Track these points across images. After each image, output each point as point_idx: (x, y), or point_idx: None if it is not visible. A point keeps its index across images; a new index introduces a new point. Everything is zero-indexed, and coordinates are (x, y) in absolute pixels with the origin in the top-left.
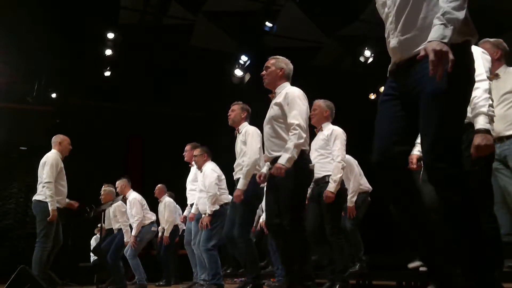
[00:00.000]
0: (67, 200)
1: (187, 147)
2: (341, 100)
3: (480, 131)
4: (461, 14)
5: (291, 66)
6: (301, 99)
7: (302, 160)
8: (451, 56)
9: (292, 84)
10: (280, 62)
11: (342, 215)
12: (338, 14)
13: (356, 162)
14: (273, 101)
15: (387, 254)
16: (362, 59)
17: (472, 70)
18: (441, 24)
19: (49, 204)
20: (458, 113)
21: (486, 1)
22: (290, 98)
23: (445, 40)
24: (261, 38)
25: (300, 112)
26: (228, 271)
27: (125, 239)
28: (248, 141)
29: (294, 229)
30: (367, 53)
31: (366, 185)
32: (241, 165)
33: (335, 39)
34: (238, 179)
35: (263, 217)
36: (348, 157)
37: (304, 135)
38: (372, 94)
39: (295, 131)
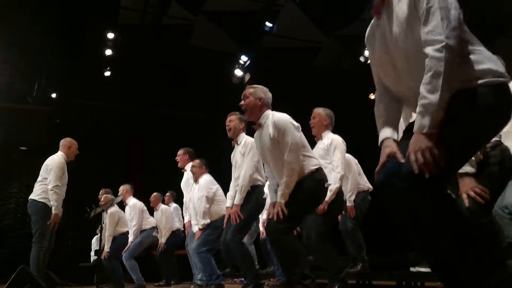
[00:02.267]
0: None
1: (180, 152)
2: (341, 100)
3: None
4: (434, 97)
5: (269, 94)
6: (289, 126)
7: (317, 179)
8: (434, 151)
9: (292, 84)
10: (258, 92)
11: (343, 213)
12: (338, 14)
13: (356, 161)
14: (263, 133)
15: (387, 254)
16: (362, 59)
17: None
18: (419, 112)
19: (53, 208)
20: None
21: (486, 2)
22: (282, 128)
23: (425, 131)
24: (261, 38)
25: (291, 140)
26: (228, 271)
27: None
28: (245, 155)
29: (282, 237)
30: (367, 53)
31: (365, 184)
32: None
33: (335, 39)
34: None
35: (262, 217)
36: (347, 155)
37: (296, 168)
38: (372, 94)
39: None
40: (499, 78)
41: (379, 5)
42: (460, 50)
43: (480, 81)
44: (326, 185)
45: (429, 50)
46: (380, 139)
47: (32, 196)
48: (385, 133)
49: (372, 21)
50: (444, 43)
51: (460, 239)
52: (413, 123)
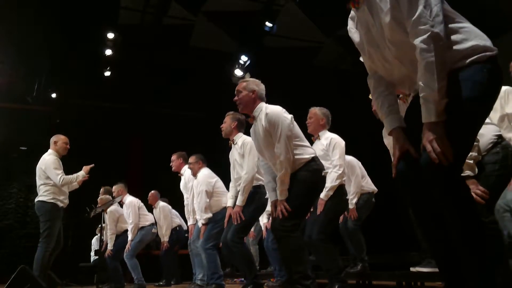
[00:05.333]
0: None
1: (173, 157)
2: (341, 100)
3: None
4: (432, 87)
5: (262, 86)
6: (282, 118)
7: (312, 169)
8: (445, 139)
9: (292, 84)
10: (250, 85)
11: (345, 214)
12: (338, 14)
13: (360, 164)
14: (257, 126)
15: (387, 254)
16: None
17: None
18: (422, 104)
19: (76, 180)
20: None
21: (486, 1)
22: (273, 120)
23: (432, 120)
24: (261, 38)
25: (282, 132)
26: (228, 271)
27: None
28: (246, 156)
29: (288, 234)
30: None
31: (369, 186)
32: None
33: (335, 39)
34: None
35: (262, 220)
36: (350, 158)
37: (286, 164)
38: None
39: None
40: (487, 53)
41: None
42: (447, 33)
43: (470, 59)
44: (323, 174)
45: (417, 42)
46: (388, 129)
47: (39, 198)
48: (392, 122)
49: (351, 14)
50: (430, 32)
51: (471, 231)
52: (412, 105)
